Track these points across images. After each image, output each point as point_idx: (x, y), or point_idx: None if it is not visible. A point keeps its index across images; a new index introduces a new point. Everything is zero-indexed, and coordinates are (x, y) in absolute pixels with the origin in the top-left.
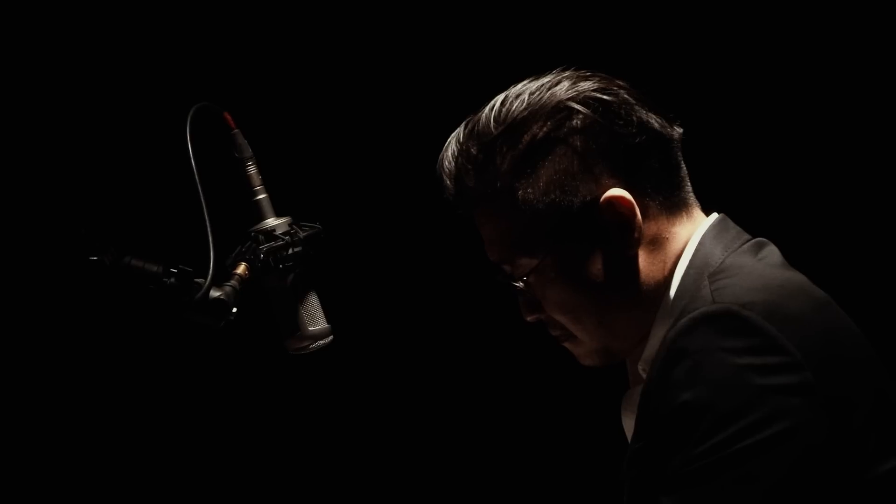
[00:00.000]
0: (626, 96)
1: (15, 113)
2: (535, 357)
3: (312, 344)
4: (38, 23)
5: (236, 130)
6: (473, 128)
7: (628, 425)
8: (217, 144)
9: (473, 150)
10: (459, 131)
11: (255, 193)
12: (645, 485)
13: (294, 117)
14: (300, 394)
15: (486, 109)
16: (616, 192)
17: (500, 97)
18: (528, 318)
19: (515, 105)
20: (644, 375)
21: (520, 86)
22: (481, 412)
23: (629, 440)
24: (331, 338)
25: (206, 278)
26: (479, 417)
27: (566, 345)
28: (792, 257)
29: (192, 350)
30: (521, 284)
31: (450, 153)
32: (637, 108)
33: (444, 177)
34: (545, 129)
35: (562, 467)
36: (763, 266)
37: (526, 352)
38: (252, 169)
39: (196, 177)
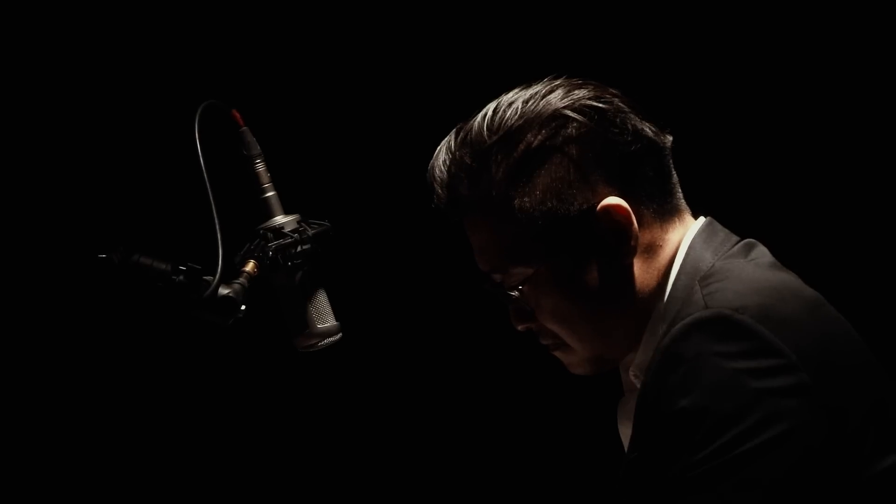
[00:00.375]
0: (620, 104)
1: (24, 112)
2: (534, 363)
3: (321, 341)
4: (48, 22)
5: (245, 128)
6: (466, 136)
7: (625, 433)
8: (225, 142)
9: (467, 159)
10: (450, 139)
11: (264, 191)
12: (645, 492)
13: (302, 115)
14: (308, 392)
15: (479, 117)
16: (612, 200)
17: (492, 105)
18: (519, 327)
19: (509, 113)
20: (637, 382)
21: (511, 94)
22: (480, 416)
23: (626, 448)
24: (339, 335)
25: (214, 276)
26: (477, 421)
27: (557, 353)
28: (781, 257)
29: (200, 348)
30: (515, 294)
31: (441, 161)
32: (631, 115)
33: (436, 185)
34: (540, 137)
35: (558, 474)
36: (754, 268)
37: (526, 358)
38: (260, 166)
39: (204, 174)
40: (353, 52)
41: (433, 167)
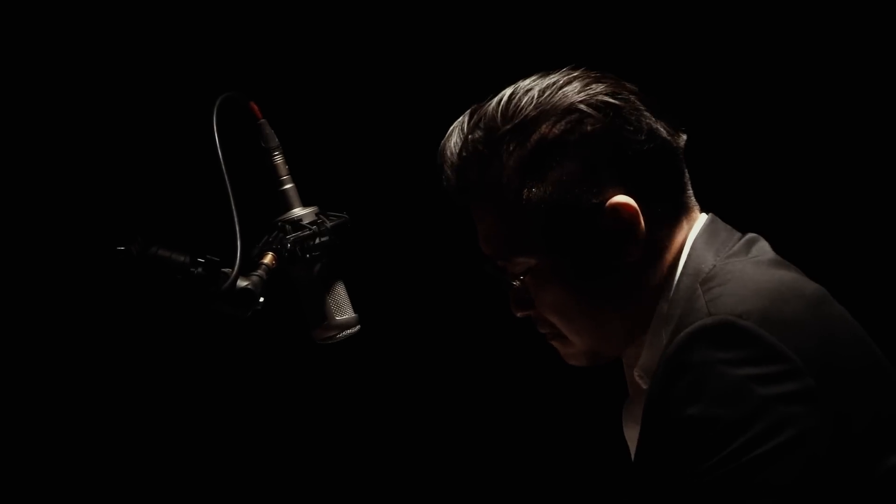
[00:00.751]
0: (635, 101)
1: (43, 104)
2: (541, 364)
3: (339, 333)
4: (69, 15)
5: (263, 120)
6: (479, 121)
7: (630, 436)
8: (243, 134)
9: (480, 145)
10: (464, 121)
11: (282, 183)
12: (653, 499)
13: (320, 107)
14: (326, 383)
15: (494, 102)
16: (621, 198)
17: (508, 91)
18: (518, 314)
19: (524, 102)
20: (642, 383)
21: (528, 81)
22: (486, 416)
23: (631, 450)
24: (358, 327)
25: (233, 268)
26: (483, 421)
27: (554, 343)
28: (785, 251)
29: (219, 340)
30: (516, 283)
31: (452, 143)
32: (646, 114)
33: (446, 167)
34: (555, 130)
35: (564, 476)
36: (755, 267)
37: (533, 358)
38: (279, 159)
39: (223, 167)
40: (370, 44)
41: (444, 148)
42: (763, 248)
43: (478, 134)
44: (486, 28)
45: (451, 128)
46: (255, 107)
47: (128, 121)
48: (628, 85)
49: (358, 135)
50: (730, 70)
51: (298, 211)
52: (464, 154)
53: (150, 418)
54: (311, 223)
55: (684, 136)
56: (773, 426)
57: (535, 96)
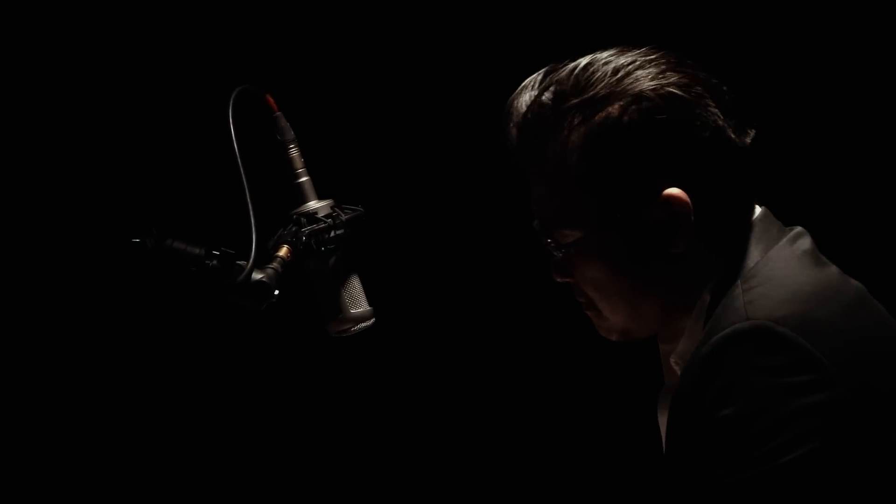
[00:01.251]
0: (706, 97)
1: (58, 95)
2: (574, 354)
3: (354, 326)
4: (87, 8)
5: (278, 113)
6: (550, 84)
7: (664, 423)
8: (259, 127)
9: (548, 112)
10: (536, 80)
11: (298, 176)
12: (680, 495)
13: (336, 100)
14: (341, 377)
15: (568, 69)
16: (675, 191)
17: (585, 61)
18: (558, 279)
19: (598, 77)
20: (678, 370)
21: (606, 54)
22: (519, 402)
23: (663, 437)
24: (373, 320)
25: (248, 261)
26: (515, 407)
27: (588, 313)
28: (824, 247)
29: (234, 332)
30: (559, 253)
31: (522, 102)
32: (714, 111)
33: (511, 123)
34: (622, 114)
35: (598, 462)
36: (796, 266)
37: (566, 347)
38: (294, 152)
39: (238, 160)
40: (386, 38)
41: (512, 105)
42: (804, 244)
43: (546, 97)
44: (498, 23)
45: (523, 84)
46: (271, 100)
47: (143, 114)
48: (702, 75)
49: (373, 128)
50: (781, 64)
51: (314, 204)
52: (529, 115)
53: (164, 411)
54: (327, 216)
55: (753, 133)
56: (802, 435)
57: (609, 73)
